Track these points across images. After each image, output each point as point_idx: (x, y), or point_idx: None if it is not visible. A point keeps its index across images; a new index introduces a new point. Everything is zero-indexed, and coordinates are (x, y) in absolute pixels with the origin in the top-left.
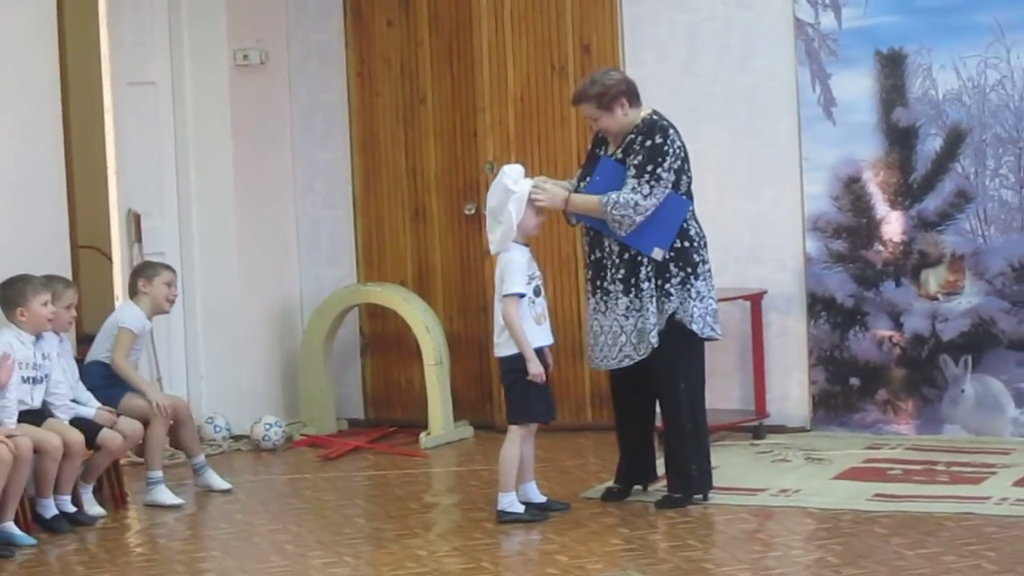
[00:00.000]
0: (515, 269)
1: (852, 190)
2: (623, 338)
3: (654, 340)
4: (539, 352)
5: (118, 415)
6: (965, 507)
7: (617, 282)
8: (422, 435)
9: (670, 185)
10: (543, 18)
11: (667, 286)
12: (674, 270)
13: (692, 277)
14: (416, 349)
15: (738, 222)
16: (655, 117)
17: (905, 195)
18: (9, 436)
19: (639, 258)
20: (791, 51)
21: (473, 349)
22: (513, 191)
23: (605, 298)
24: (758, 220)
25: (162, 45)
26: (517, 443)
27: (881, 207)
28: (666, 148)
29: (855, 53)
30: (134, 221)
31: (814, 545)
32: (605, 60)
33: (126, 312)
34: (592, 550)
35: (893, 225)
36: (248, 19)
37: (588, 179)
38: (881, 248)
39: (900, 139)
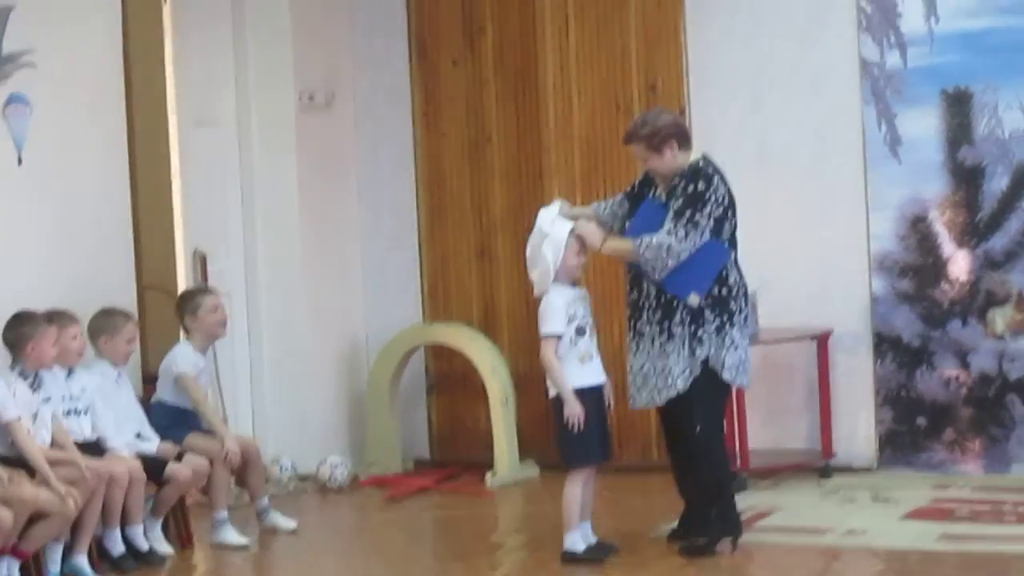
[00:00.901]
0: (551, 310)
1: (918, 229)
2: (652, 380)
3: (680, 385)
4: (583, 392)
5: (182, 452)
6: None
7: (654, 324)
8: (488, 475)
9: (708, 232)
10: (608, 57)
11: (700, 332)
12: (710, 316)
13: (728, 325)
14: (482, 388)
15: (804, 261)
16: (702, 164)
17: (971, 234)
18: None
19: (675, 303)
20: (857, 90)
21: (539, 388)
22: (547, 233)
23: (639, 339)
24: (824, 259)
25: (228, 86)
26: (576, 483)
27: (947, 246)
28: (708, 195)
29: (921, 92)
30: (200, 261)
31: None
32: (671, 98)
33: (177, 355)
34: None
35: (959, 264)
36: (314, 60)
37: (629, 221)
38: (948, 287)
39: (966, 178)
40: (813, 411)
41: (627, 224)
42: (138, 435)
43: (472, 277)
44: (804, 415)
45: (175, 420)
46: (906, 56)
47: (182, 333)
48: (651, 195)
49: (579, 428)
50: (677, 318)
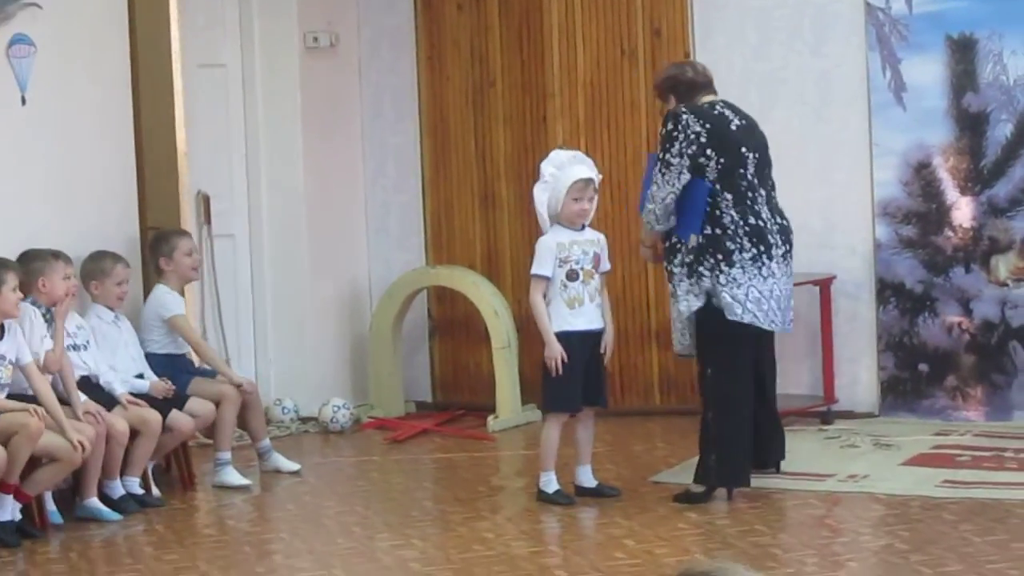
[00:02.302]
0: (541, 251)
1: (922, 176)
2: (679, 324)
3: (681, 325)
4: (569, 337)
5: (185, 396)
6: None
7: (668, 270)
8: (490, 418)
9: (687, 171)
10: (613, 2)
11: (700, 269)
12: (706, 256)
13: (724, 264)
14: (484, 332)
15: (808, 207)
16: (681, 108)
17: (975, 181)
18: (88, 412)
19: (677, 245)
20: (862, 36)
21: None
22: (545, 178)
23: (671, 282)
24: (828, 205)
25: (232, 28)
26: (552, 427)
27: (951, 193)
28: (675, 134)
29: (926, 38)
30: (204, 203)
31: (882, 531)
32: (675, 44)
33: (164, 300)
34: (659, 534)
35: (963, 211)
36: (319, 2)
37: None
38: (951, 234)
39: (971, 125)
40: (815, 357)
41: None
42: (140, 376)
43: (475, 221)
44: (806, 361)
45: (168, 368)
46: (911, 2)
47: (155, 276)
48: None
49: (557, 372)
50: (677, 259)
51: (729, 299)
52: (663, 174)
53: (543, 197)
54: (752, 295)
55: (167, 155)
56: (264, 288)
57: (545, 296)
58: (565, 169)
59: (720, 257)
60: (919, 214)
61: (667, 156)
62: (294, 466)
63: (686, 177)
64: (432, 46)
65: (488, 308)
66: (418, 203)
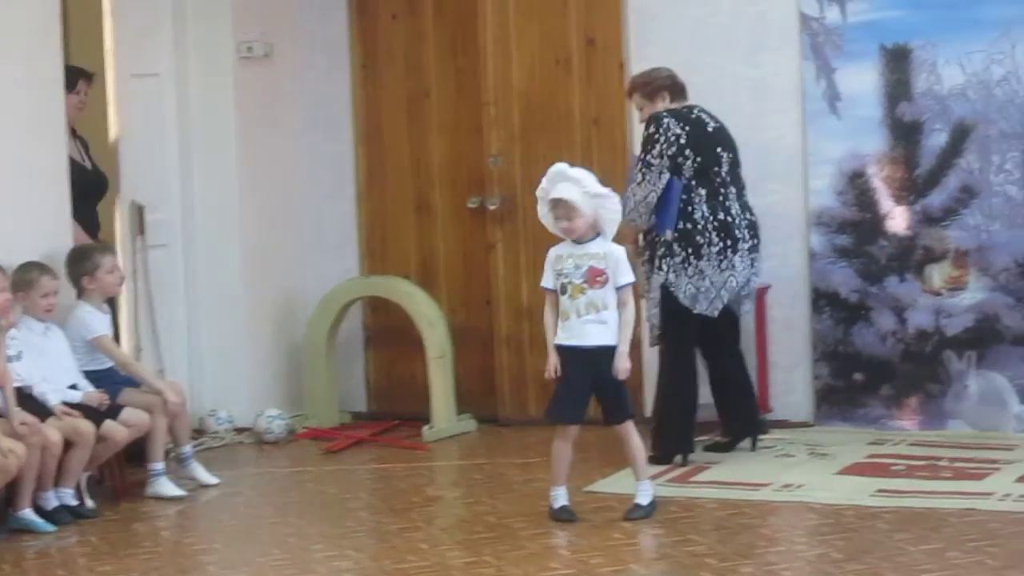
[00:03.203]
0: (545, 263)
1: (856, 185)
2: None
3: (654, 319)
4: (558, 349)
5: (119, 406)
6: (969, 503)
7: (644, 264)
8: (425, 428)
9: (666, 170)
10: (548, 11)
11: (665, 261)
12: (677, 249)
13: (694, 257)
14: (419, 342)
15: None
16: (662, 112)
17: (910, 190)
18: (24, 423)
19: (655, 240)
20: (796, 46)
21: (477, 342)
22: (539, 196)
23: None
24: (763, 215)
25: (167, 37)
26: (556, 438)
27: (886, 202)
28: (657, 136)
29: (860, 47)
30: (137, 213)
31: (817, 540)
32: (610, 55)
33: (86, 320)
34: (594, 544)
35: (897, 220)
36: (253, 12)
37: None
38: (885, 243)
39: (905, 134)
40: (751, 366)
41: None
42: (73, 386)
43: (410, 231)
44: None
45: (98, 383)
46: (845, 11)
47: (77, 293)
48: None
49: (553, 380)
50: (658, 253)
51: (690, 290)
52: (644, 174)
53: (542, 211)
54: (711, 287)
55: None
56: (198, 298)
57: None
58: (551, 184)
59: (690, 251)
60: (854, 223)
61: (648, 157)
62: (212, 479)
63: (666, 177)
64: (367, 55)
65: (423, 318)
66: (353, 213)
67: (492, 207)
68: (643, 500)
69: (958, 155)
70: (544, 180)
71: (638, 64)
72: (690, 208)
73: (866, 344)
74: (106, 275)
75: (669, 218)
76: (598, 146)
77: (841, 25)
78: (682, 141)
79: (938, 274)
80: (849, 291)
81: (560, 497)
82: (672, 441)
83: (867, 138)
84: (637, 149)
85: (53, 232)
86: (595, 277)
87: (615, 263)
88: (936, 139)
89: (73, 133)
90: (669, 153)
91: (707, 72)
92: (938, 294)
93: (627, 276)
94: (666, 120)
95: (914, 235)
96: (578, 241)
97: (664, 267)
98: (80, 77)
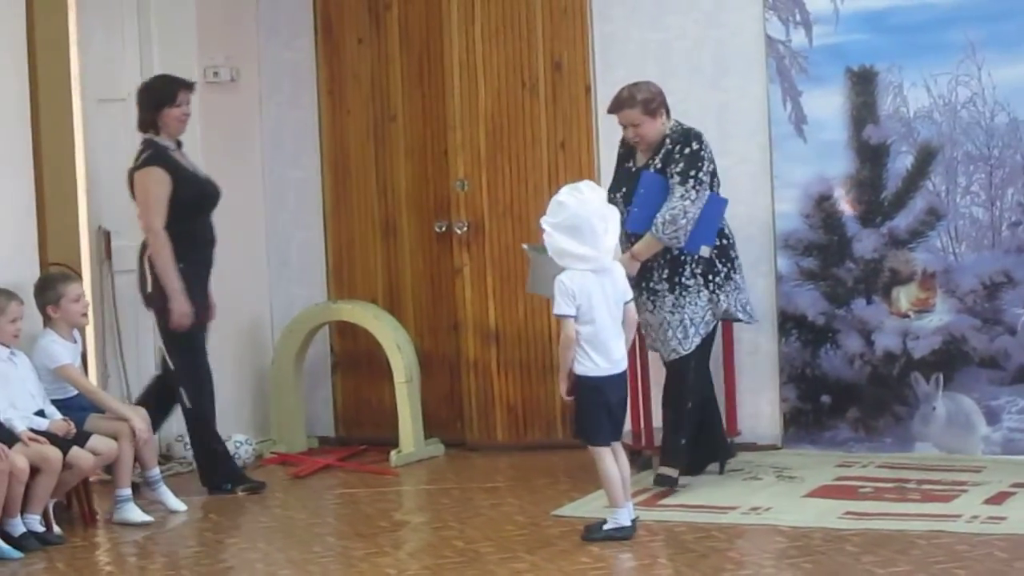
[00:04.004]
0: (558, 291)
1: (823, 208)
2: (669, 332)
3: (702, 331)
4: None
5: (86, 434)
6: (936, 525)
7: (663, 282)
8: (392, 453)
9: (707, 186)
10: (514, 35)
11: (716, 280)
12: (719, 266)
13: (732, 271)
14: (387, 367)
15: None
16: (684, 125)
17: (876, 213)
18: None
19: (681, 258)
20: (762, 69)
21: (444, 367)
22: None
23: (653, 297)
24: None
25: (133, 62)
26: (598, 460)
27: (852, 225)
28: (703, 153)
29: (826, 71)
30: (104, 238)
31: (785, 563)
32: (576, 77)
33: (50, 350)
34: (562, 569)
35: (864, 243)
36: (218, 37)
37: (634, 195)
38: (852, 266)
39: (871, 157)
40: (718, 389)
41: (633, 198)
42: (40, 413)
43: (377, 255)
44: None
45: (67, 412)
46: (811, 35)
47: (44, 321)
48: (631, 166)
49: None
50: (687, 271)
51: (743, 302)
52: (696, 191)
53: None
54: (749, 297)
55: (66, 190)
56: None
57: None
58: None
59: (730, 266)
60: (820, 246)
61: (700, 175)
62: (180, 505)
63: (706, 194)
64: (333, 80)
65: (390, 343)
66: (320, 237)
67: (459, 231)
68: (607, 524)
69: (924, 177)
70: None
71: (604, 88)
72: (722, 223)
73: (833, 367)
74: (70, 304)
75: (710, 235)
76: (565, 169)
77: (807, 48)
78: (712, 157)
79: (905, 296)
80: (816, 314)
81: (625, 514)
82: (711, 451)
83: (833, 161)
84: (637, 165)
85: (20, 258)
86: None
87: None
88: (902, 161)
89: (178, 145)
90: (711, 170)
91: (673, 95)
92: (905, 316)
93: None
94: (702, 136)
95: (880, 257)
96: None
97: (723, 287)
98: (180, 88)
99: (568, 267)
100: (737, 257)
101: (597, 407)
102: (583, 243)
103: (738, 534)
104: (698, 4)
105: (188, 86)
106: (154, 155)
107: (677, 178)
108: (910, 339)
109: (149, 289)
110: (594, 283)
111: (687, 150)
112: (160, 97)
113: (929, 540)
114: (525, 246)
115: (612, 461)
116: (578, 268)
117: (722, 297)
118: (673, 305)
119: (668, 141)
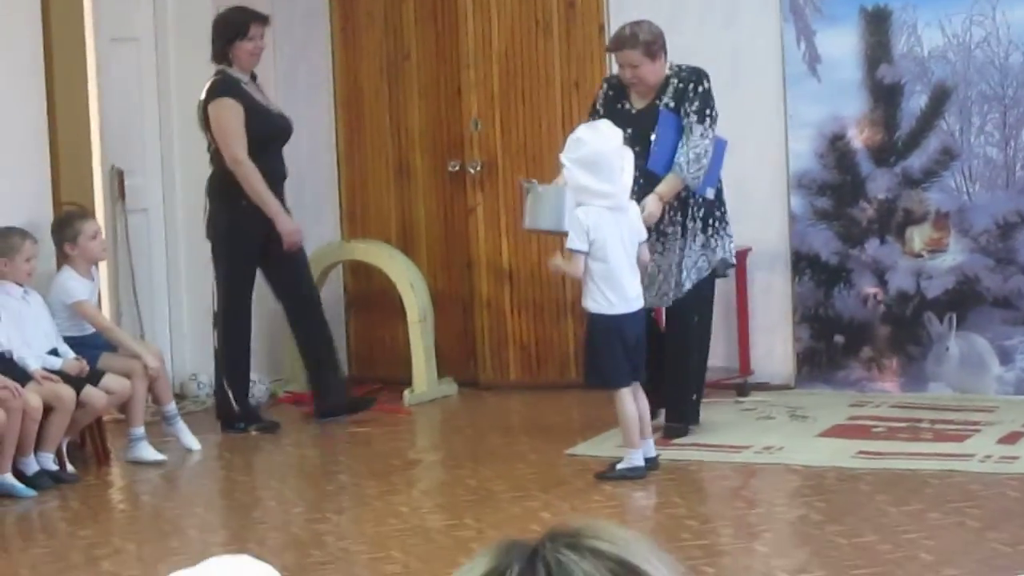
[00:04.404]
0: (572, 225)
1: (837, 147)
2: (662, 279)
3: (695, 277)
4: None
5: (100, 372)
6: (949, 464)
7: (676, 224)
8: (406, 392)
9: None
10: None
11: (715, 224)
12: (718, 209)
13: (725, 215)
14: (400, 306)
15: (723, 179)
16: (688, 65)
17: (890, 152)
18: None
19: (689, 199)
20: (776, 8)
21: (457, 306)
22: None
23: (663, 239)
24: (743, 178)
25: (146, 1)
26: (618, 401)
27: (866, 164)
28: (711, 91)
29: (840, 10)
30: (117, 178)
31: (798, 502)
32: (590, 16)
33: (67, 286)
34: (575, 507)
35: (878, 182)
36: None
37: (653, 135)
38: (866, 205)
39: (885, 96)
40: (731, 329)
41: (654, 137)
42: (54, 351)
43: (390, 195)
44: (722, 333)
45: (78, 349)
46: None
47: (61, 259)
48: (627, 106)
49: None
50: (690, 213)
51: (731, 247)
52: (712, 129)
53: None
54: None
55: (80, 130)
56: (179, 263)
57: None
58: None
59: (724, 209)
60: (834, 186)
61: (713, 113)
62: (195, 444)
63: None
64: (346, 19)
65: (404, 282)
66: (333, 177)
67: (472, 171)
68: (621, 464)
69: (938, 117)
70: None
71: (617, 26)
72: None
73: (847, 307)
74: (88, 241)
75: (714, 176)
76: (578, 109)
77: None
78: None
79: (918, 236)
80: (830, 254)
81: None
82: (698, 413)
83: (847, 101)
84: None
85: (33, 198)
86: None
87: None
88: (916, 101)
89: (252, 78)
90: (718, 111)
91: (687, 35)
92: (919, 256)
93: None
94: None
95: (894, 197)
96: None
97: (721, 233)
98: (252, 21)
99: (585, 203)
100: (725, 202)
101: (613, 346)
102: (602, 179)
103: (751, 473)
104: None
105: (262, 19)
106: (223, 86)
107: (695, 116)
108: (923, 279)
109: (212, 224)
110: (610, 221)
111: (700, 88)
112: (232, 30)
113: (942, 479)
114: (522, 180)
115: (632, 401)
116: (595, 204)
117: (717, 243)
118: (681, 249)
119: (677, 80)
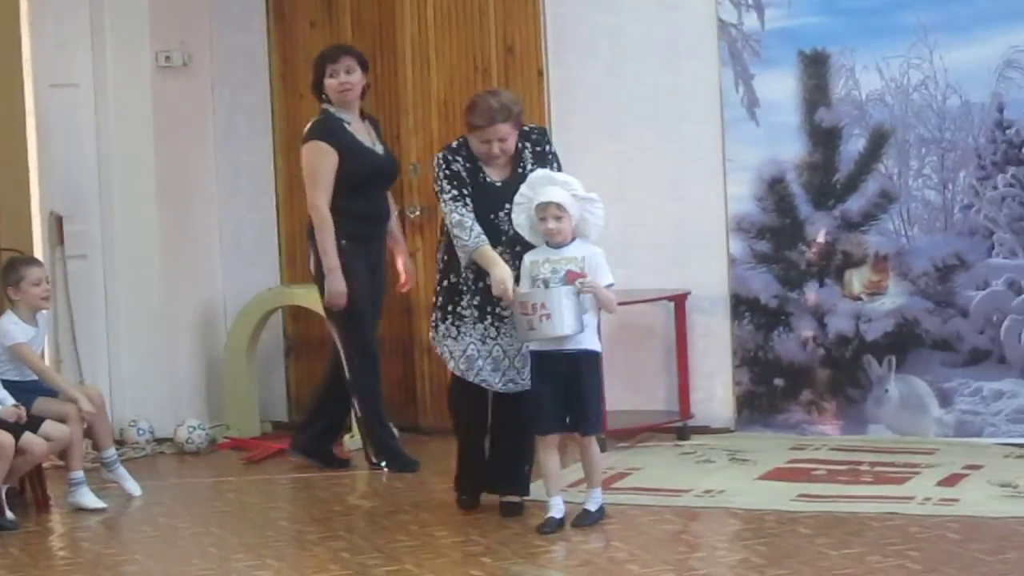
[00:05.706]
0: (521, 269)
1: (776, 191)
2: (505, 362)
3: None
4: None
5: (39, 419)
6: (889, 507)
7: (473, 308)
8: (346, 437)
9: None
10: (466, 19)
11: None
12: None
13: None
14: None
15: (662, 223)
16: (529, 125)
17: (829, 195)
18: None
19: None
20: (715, 52)
21: (398, 351)
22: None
23: (458, 323)
24: (682, 221)
25: (84, 47)
26: (541, 448)
27: (805, 207)
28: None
29: (778, 54)
30: (56, 223)
31: (739, 545)
32: (529, 61)
33: (7, 329)
34: (516, 551)
35: (817, 226)
36: (171, 21)
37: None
38: (805, 248)
39: (823, 139)
40: (671, 373)
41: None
42: None
43: None
44: (662, 377)
45: (16, 394)
46: (764, 17)
47: (4, 303)
48: (488, 179)
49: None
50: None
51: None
52: None
53: (520, 219)
54: None
55: (18, 176)
56: (118, 308)
57: None
58: (536, 190)
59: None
60: (773, 229)
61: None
62: (136, 489)
63: None
64: (285, 64)
65: None
66: (273, 221)
67: (412, 215)
68: (592, 506)
69: (876, 161)
70: (524, 187)
71: (557, 71)
72: None
73: (786, 350)
74: (31, 287)
75: None
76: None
77: (759, 31)
78: None
79: (858, 279)
80: (769, 297)
81: (555, 507)
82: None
83: (786, 144)
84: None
85: None
86: (574, 280)
87: (595, 265)
88: (854, 144)
89: (362, 115)
90: None
91: (626, 79)
92: (858, 299)
93: (607, 277)
94: None
95: (833, 240)
96: (555, 245)
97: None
98: (328, 58)
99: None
100: None
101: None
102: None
103: (692, 517)
104: None
105: (332, 56)
106: (319, 128)
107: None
108: (863, 322)
109: (311, 266)
110: None
111: (551, 148)
112: (317, 68)
113: (882, 522)
114: (520, 292)
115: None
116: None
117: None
118: (483, 335)
119: (531, 144)
